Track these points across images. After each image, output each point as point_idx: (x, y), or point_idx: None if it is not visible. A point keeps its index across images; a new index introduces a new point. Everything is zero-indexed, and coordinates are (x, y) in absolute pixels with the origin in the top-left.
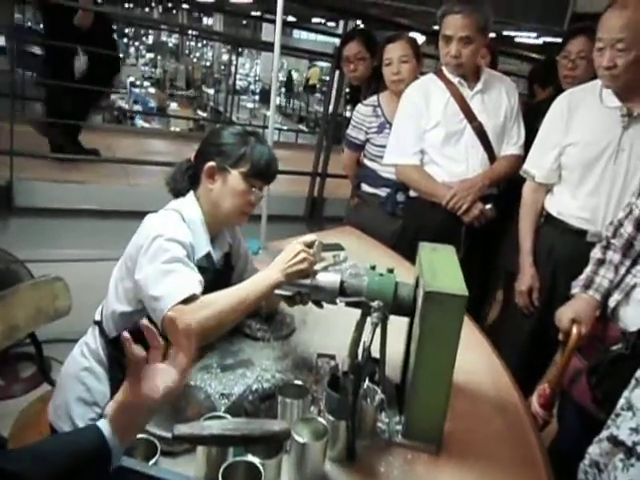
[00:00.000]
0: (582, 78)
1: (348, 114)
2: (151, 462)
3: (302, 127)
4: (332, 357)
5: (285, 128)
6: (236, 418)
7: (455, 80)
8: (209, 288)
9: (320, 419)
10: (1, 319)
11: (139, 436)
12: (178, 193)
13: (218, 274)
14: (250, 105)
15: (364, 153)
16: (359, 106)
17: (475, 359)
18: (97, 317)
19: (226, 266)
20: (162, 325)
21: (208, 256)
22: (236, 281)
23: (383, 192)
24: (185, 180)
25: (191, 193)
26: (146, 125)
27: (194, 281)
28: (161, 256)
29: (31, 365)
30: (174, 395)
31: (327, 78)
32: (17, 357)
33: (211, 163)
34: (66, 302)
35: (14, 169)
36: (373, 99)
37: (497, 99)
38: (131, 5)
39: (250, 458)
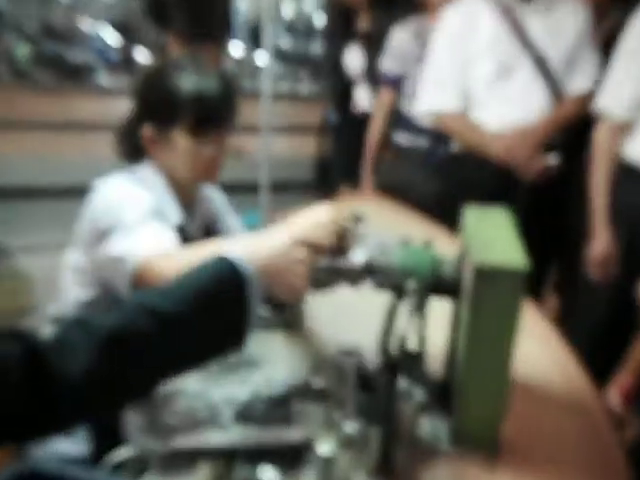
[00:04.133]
0: None
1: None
2: None
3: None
4: (356, 352)
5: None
6: (244, 427)
7: None
8: None
9: (347, 425)
10: None
11: (128, 452)
12: (132, 158)
13: None
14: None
15: (400, 94)
16: (396, 31)
17: (537, 347)
18: (54, 314)
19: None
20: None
21: (180, 228)
22: None
23: (425, 142)
24: (133, 142)
25: (146, 159)
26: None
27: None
28: (123, 217)
29: None
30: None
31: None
32: None
33: (146, 129)
34: (29, 299)
35: None
36: (413, 23)
37: (563, 20)
38: None
39: (263, 473)
